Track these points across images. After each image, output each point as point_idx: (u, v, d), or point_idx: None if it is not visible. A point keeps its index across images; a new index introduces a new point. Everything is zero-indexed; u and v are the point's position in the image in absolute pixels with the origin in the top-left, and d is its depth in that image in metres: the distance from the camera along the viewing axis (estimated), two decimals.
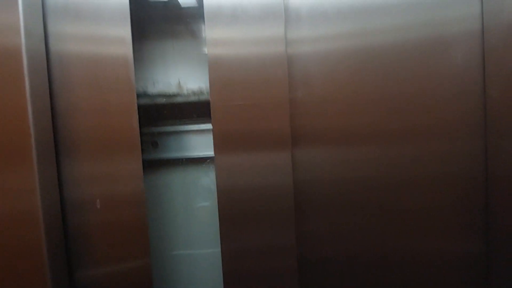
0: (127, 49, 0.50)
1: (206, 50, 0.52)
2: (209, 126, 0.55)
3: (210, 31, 0.50)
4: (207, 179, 0.68)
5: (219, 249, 0.54)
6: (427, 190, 0.57)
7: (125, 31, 0.50)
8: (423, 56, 0.54)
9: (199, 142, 0.68)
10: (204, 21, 0.49)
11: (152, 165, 0.67)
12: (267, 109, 0.52)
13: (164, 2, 0.66)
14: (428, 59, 0.54)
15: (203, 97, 0.66)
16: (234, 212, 0.54)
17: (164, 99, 0.67)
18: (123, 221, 0.54)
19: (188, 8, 0.66)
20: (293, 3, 0.52)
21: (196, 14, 0.65)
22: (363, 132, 0.55)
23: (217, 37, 0.50)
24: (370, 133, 0.55)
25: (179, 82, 0.68)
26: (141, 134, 0.54)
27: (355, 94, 0.55)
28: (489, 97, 0.54)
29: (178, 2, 0.65)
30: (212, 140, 0.52)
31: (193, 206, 0.71)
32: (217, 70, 0.51)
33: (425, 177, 0.56)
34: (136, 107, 0.51)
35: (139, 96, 0.57)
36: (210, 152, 0.57)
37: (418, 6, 0.53)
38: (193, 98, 0.67)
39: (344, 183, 0.57)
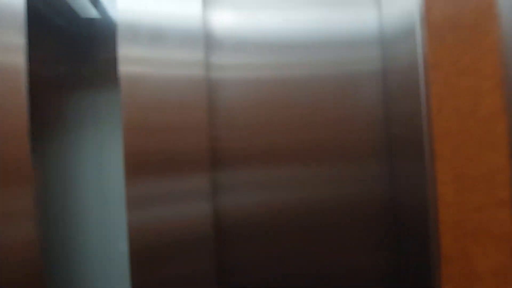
0: (19, 59, 0.43)
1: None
2: None
3: (123, 50, 0.47)
4: None
5: None
6: (342, 211, 0.61)
7: (19, 38, 0.43)
8: (334, 89, 0.61)
9: None
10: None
11: None
12: (185, 133, 0.50)
13: None
14: (338, 92, 0.61)
15: None
16: (146, 245, 0.49)
17: None
18: (13, 270, 0.45)
19: None
20: (217, 30, 0.53)
21: None
22: (282, 156, 0.58)
23: (132, 57, 0.47)
24: (288, 157, 0.58)
25: None
26: None
27: (275, 120, 0.57)
28: (392, 128, 0.61)
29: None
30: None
31: None
32: (131, 90, 0.47)
33: (339, 198, 0.61)
34: (27, 130, 0.44)
35: None
36: None
37: (328, 47, 0.60)
38: None
39: (267, 207, 0.57)
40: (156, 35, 0.47)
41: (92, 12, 0.61)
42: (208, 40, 0.52)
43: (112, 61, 0.64)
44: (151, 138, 0.49)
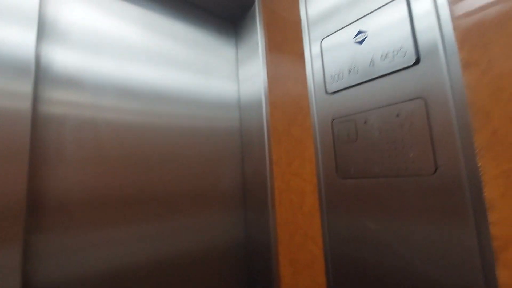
0: None
1: None
2: None
3: None
4: None
5: None
6: (197, 259, 0.61)
7: None
8: (189, 141, 0.65)
9: None
10: None
11: None
12: None
13: None
14: (195, 144, 0.66)
15: None
16: None
17: None
18: None
19: None
20: (55, 65, 0.50)
21: None
22: (127, 210, 0.53)
23: None
24: (133, 211, 0.53)
25: None
26: None
27: (121, 168, 0.53)
28: (246, 177, 0.71)
29: None
30: None
31: None
32: None
33: (197, 245, 0.62)
34: None
35: None
36: None
37: (184, 103, 0.67)
38: None
39: (103, 273, 0.49)
40: None
41: None
42: (40, 73, 0.47)
43: None
44: None
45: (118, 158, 0.53)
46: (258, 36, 0.72)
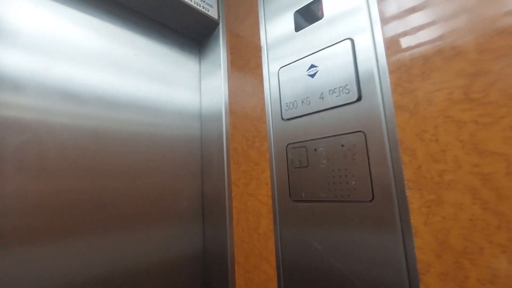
0: None
1: None
2: None
3: None
4: None
5: None
6: (151, 273, 0.61)
7: None
8: (150, 147, 0.66)
9: None
10: None
11: None
12: None
13: None
14: (155, 151, 0.67)
15: None
16: None
17: None
18: None
19: None
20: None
21: None
22: (69, 219, 0.51)
23: None
24: (77, 220, 0.52)
25: None
26: None
27: (60, 173, 0.51)
28: (205, 194, 0.74)
29: None
30: None
31: None
32: None
33: (156, 259, 0.62)
34: None
35: None
36: None
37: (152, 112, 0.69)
38: None
39: None
40: None
41: None
42: None
43: None
44: None
45: (63, 164, 0.50)
46: (221, 57, 0.73)
